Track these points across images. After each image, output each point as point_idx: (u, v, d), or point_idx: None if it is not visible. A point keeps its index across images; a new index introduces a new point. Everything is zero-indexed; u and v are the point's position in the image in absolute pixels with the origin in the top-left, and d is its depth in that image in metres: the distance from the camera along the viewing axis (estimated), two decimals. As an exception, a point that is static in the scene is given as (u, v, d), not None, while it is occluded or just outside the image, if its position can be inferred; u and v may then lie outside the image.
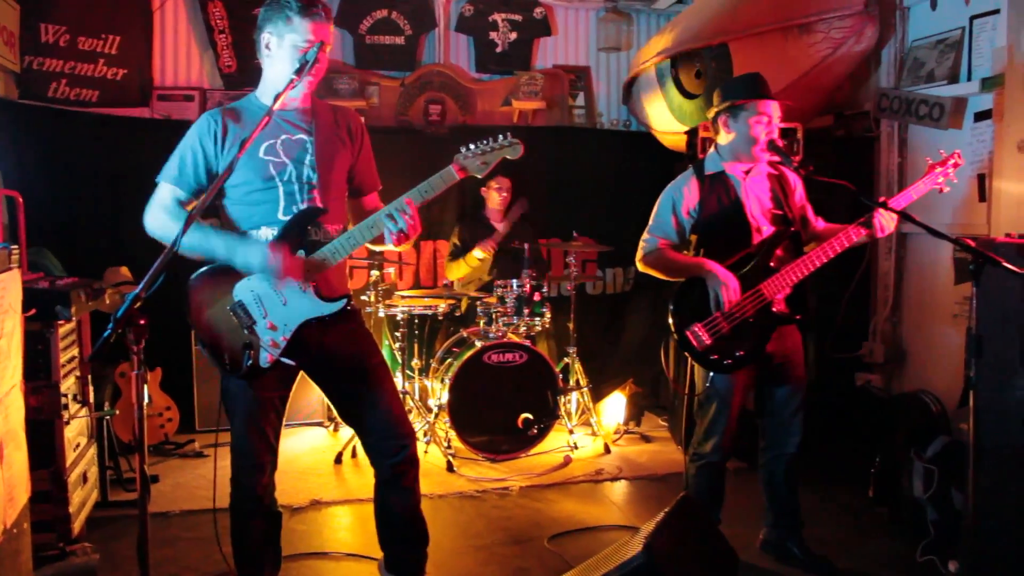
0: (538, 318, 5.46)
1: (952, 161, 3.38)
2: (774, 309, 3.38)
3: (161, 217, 2.77)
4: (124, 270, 4.86)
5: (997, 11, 4.56)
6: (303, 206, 2.80)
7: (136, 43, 5.87)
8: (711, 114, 3.55)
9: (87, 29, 5.72)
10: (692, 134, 5.35)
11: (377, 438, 2.95)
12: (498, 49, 6.66)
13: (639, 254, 3.57)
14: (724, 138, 3.50)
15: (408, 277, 6.35)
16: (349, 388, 2.95)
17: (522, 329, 5.40)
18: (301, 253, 2.74)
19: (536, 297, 5.44)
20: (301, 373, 2.95)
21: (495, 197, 5.89)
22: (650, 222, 3.60)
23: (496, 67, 6.68)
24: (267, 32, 2.75)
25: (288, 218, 2.77)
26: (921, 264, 5.19)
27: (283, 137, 2.81)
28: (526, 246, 5.56)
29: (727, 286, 3.29)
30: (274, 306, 2.75)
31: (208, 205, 2.84)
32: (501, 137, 2.79)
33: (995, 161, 4.49)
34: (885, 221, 3.32)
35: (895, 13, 5.27)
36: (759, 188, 3.50)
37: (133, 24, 5.87)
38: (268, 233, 2.77)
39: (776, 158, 3.37)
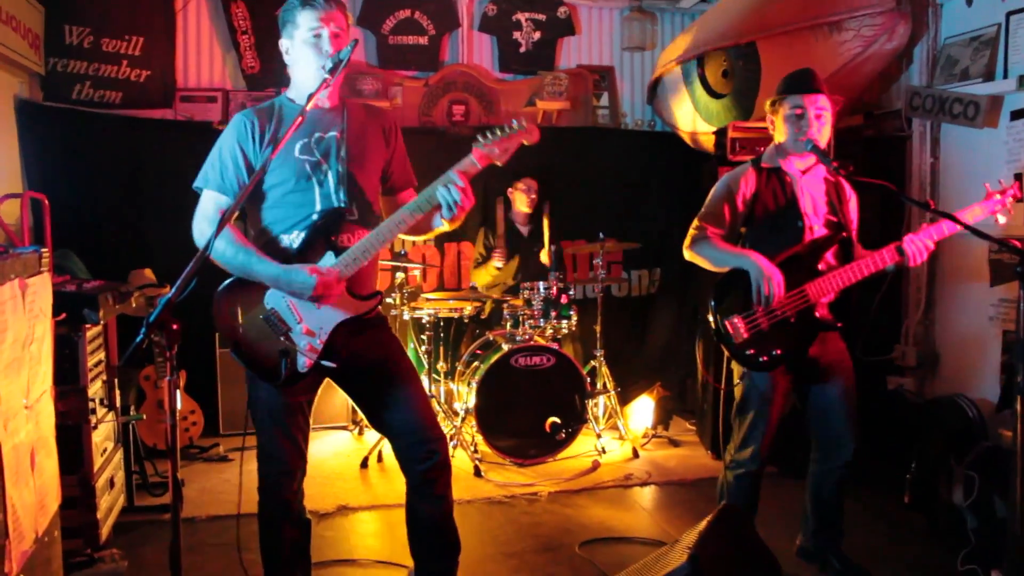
0: (564, 320, 5.40)
1: (1012, 191, 3.22)
2: (816, 314, 3.31)
3: (207, 231, 2.71)
4: (148, 272, 4.84)
5: (1035, 7, 4.49)
6: (339, 205, 2.76)
7: (159, 44, 5.85)
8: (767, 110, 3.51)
9: (110, 30, 5.70)
10: (721, 134, 5.28)
11: (406, 443, 2.89)
12: (521, 49, 6.61)
13: (687, 241, 3.48)
14: (776, 135, 3.45)
15: (432, 279, 6.31)
16: (377, 392, 2.89)
17: (548, 332, 5.35)
18: (329, 255, 2.69)
19: (563, 300, 5.38)
20: (326, 379, 2.91)
21: (522, 199, 5.83)
22: (702, 209, 3.51)
23: (520, 67, 6.62)
24: (284, 38, 2.78)
25: (313, 222, 2.73)
26: (955, 265, 5.10)
27: (316, 135, 2.78)
28: (552, 248, 5.50)
29: (771, 280, 3.20)
30: (308, 310, 2.70)
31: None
32: (515, 122, 2.74)
33: (1034, 160, 4.41)
34: (918, 248, 3.21)
35: (928, 10, 5.19)
36: (815, 189, 3.42)
37: (156, 25, 5.84)
38: (300, 236, 2.74)
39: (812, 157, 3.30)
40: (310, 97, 2.54)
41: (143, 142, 5.64)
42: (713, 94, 5.71)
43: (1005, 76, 4.67)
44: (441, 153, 5.82)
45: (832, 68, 5.00)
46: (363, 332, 2.81)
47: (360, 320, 2.78)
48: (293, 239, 2.74)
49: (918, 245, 3.21)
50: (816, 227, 3.38)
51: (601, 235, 5.60)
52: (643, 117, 6.82)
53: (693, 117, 5.92)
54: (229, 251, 2.66)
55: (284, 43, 2.79)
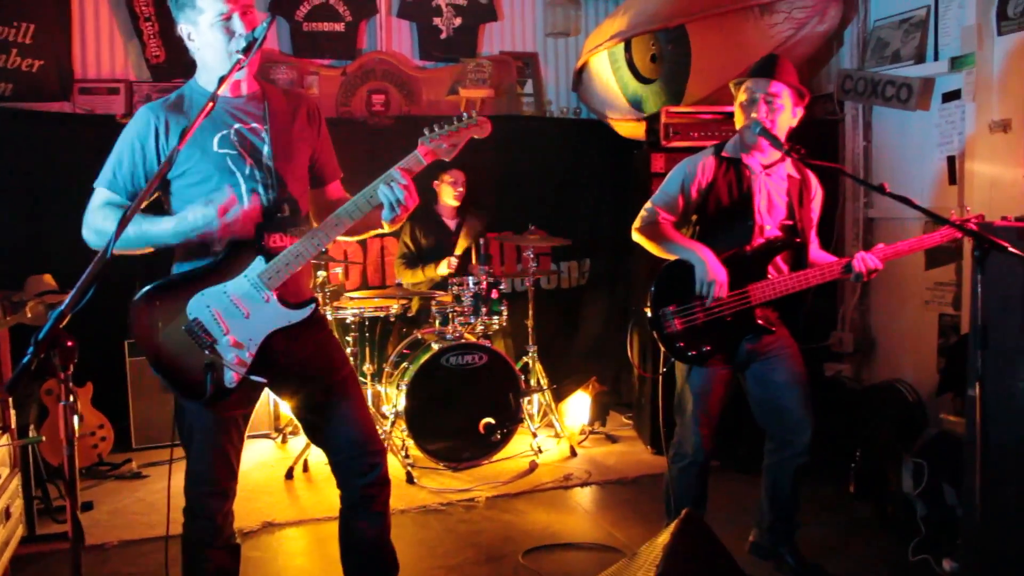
0: (495, 316, 5.20)
1: (972, 220, 3.05)
2: (755, 315, 3.22)
3: (91, 221, 2.48)
4: (47, 278, 4.46)
5: (964, -12, 4.45)
6: (272, 204, 2.51)
7: (53, 32, 5.41)
8: None
9: (-4, 17, 5.27)
10: (653, 119, 5.13)
11: (345, 456, 2.68)
12: (442, 35, 6.36)
13: (636, 223, 3.34)
14: (736, 122, 3.32)
15: (355, 277, 6.03)
16: (315, 402, 2.67)
17: (479, 328, 5.13)
18: (259, 260, 2.45)
19: (494, 294, 5.17)
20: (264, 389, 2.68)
21: (449, 192, 5.59)
22: (657, 192, 3.38)
23: (441, 54, 6.37)
24: (181, 24, 2.49)
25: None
26: (889, 250, 5.06)
27: (236, 126, 2.52)
28: (481, 242, 5.29)
29: (716, 282, 3.10)
30: (235, 320, 2.45)
31: (154, 208, 2.56)
32: (466, 115, 2.55)
33: (969, 142, 4.37)
34: (868, 268, 3.16)
35: (858, -8, 5.13)
36: (776, 189, 3.30)
37: (48, 11, 5.39)
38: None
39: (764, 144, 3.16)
40: (222, 80, 2.26)
41: (39, 137, 5.22)
42: (642, 79, 5.57)
43: (936, 58, 4.63)
44: (361, 145, 5.66)
45: (763, 52, 4.88)
46: (302, 336, 2.59)
47: (299, 325, 2.55)
48: (222, 242, 2.48)
49: (869, 264, 3.17)
50: (768, 227, 3.27)
51: (530, 226, 5.41)
52: (568, 105, 6.64)
53: (621, 104, 5.77)
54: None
55: (184, 28, 2.48)
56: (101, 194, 2.51)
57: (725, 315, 3.19)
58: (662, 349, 3.30)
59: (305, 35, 6.04)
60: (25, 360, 1.78)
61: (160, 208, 2.60)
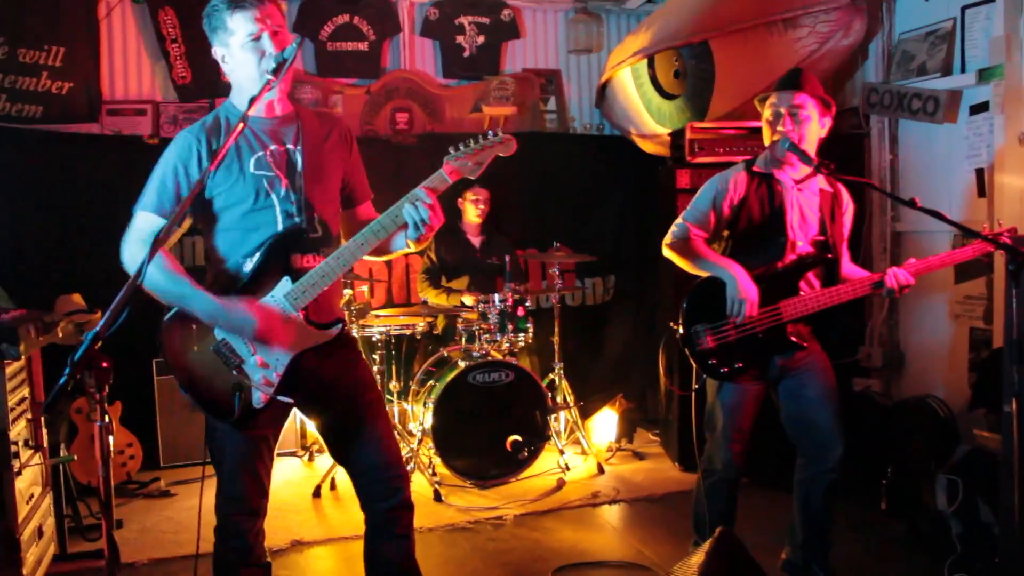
0: (521, 334, 5.18)
1: (1005, 233, 3.00)
2: (787, 331, 3.20)
3: (136, 254, 2.44)
4: (77, 297, 4.49)
5: (990, 0, 4.41)
6: (302, 225, 2.52)
7: (82, 54, 5.49)
8: None
9: (28, 40, 5.32)
10: (678, 135, 5.13)
11: (369, 479, 2.67)
12: (465, 53, 6.40)
13: (667, 238, 3.33)
14: (764, 139, 3.30)
15: (380, 295, 6.04)
16: (341, 423, 2.67)
17: (505, 346, 5.12)
18: (286, 280, 2.45)
19: (520, 312, 5.15)
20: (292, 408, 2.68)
21: (472, 210, 5.60)
22: (688, 207, 3.37)
23: (464, 72, 6.41)
24: (215, 46, 2.52)
25: (269, 243, 2.49)
26: (918, 264, 5.01)
27: (272, 148, 2.54)
28: (507, 259, 5.29)
29: (747, 301, 3.09)
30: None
31: (191, 227, 2.58)
32: (491, 134, 2.54)
33: (998, 155, 4.33)
34: (900, 283, 3.14)
35: (882, 5, 5.10)
36: (808, 204, 3.28)
37: (78, 34, 5.48)
38: (256, 259, 2.49)
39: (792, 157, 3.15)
40: (252, 100, 2.29)
41: (68, 158, 5.28)
42: (665, 95, 5.57)
43: (963, 70, 4.59)
44: (386, 163, 5.67)
45: (788, 66, 4.86)
46: (331, 356, 2.59)
47: (327, 345, 2.56)
48: (252, 263, 2.50)
49: (901, 280, 3.14)
50: (800, 243, 3.25)
51: (555, 243, 5.41)
52: (591, 121, 6.65)
53: (645, 120, 5.77)
54: (162, 280, 2.40)
55: (218, 51, 2.52)
56: (147, 219, 2.46)
57: (757, 331, 3.18)
58: (694, 366, 3.29)
59: (329, 55, 6.09)
60: (62, 381, 1.80)
61: (195, 231, 2.62)
